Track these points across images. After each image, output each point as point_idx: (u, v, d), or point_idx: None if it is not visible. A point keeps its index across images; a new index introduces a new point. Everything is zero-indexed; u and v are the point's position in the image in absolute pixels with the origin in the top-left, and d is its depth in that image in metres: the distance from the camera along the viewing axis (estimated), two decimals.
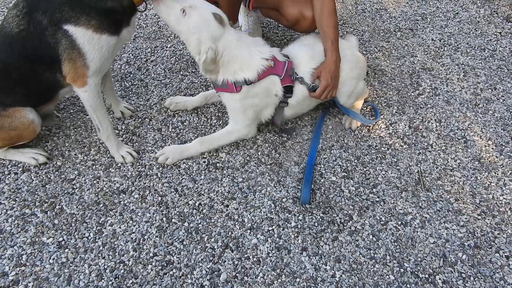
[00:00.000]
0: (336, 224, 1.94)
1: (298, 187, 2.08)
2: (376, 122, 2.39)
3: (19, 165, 2.12)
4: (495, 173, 2.17)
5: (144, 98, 2.51)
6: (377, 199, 2.04)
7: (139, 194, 2.02)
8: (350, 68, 2.24)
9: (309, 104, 2.30)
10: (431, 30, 3.14)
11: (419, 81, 2.69)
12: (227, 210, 1.98)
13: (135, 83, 2.62)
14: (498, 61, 2.87)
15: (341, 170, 2.16)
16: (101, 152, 2.20)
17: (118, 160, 2.14)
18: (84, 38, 1.74)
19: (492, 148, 2.29)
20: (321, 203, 2.02)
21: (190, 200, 2.01)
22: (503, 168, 2.19)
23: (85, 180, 2.07)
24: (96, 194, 2.01)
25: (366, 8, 3.32)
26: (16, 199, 1.98)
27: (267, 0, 2.54)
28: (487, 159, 2.24)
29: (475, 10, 3.34)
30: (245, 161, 2.19)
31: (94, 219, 1.91)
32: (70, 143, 2.25)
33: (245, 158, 2.20)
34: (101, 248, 1.82)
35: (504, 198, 2.06)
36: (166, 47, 2.90)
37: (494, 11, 3.32)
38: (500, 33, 3.12)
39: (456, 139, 2.33)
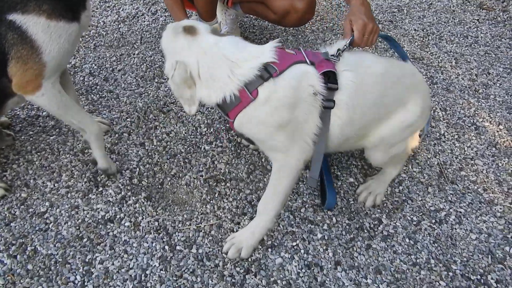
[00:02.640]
0: (366, 230, 1.69)
1: (315, 193, 1.82)
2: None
3: None
4: None
5: (117, 110, 2.17)
6: (404, 198, 1.82)
7: (130, 221, 1.67)
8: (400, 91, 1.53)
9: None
10: (410, 21, 3.03)
11: None
12: (239, 228, 1.68)
13: (103, 95, 2.26)
14: (483, 46, 2.79)
15: (357, 170, 1.93)
16: (75, 176, 1.83)
17: (103, 167, 1.77)
18: (36, 27, 1.37)
19: (505, 133, 2.16)
20: (344, 209, 1.77)
21: (194, 221, 1.69)
22: None
23: (60, 212, 1.69)
24: (77, 227, 1.64)
25: (341, 3, 3.17)
26: None
27: None
28: (503, 144, 2.10)
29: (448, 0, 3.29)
30: (249, 170, 1.90)
31: (79, 258, 1.54)
32: (34, 169, 1.86)
33: (248, 167, 1.91)
34: None
35: None
36: (133, 54, 2.57)
37: (466, 0, 3.28)
38: (477, 20, 3.06)
39: (467, 127, 2.18)
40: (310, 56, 1.42)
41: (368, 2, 1.70)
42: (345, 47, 1.51)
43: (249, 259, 1.56)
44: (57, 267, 1.51)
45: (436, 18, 3.07)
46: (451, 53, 2.71)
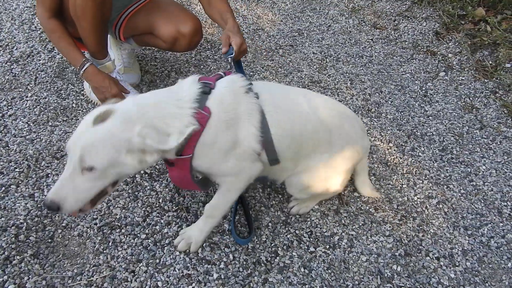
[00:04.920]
0: (262, 264, 1.72)
1: (213, 230, 1.82)
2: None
3: None
4: (403, 174, 2.16)
5: (5, 160, 2.05)
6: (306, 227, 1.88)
7: (14, 284, 1.58)
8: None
9: None
10: (310, 44, 3.15)
11: None
12: (134, 276, 1.64)
13: None
14: (377, 65, 2.96)
15: (255, 201, 1.96)
16: None
17: None
18: None
19: (394, 150, 2.29)
20: (241, 245, 1.78)
21: (85, 275, 1.63)
22: (409, 167, 2.19)
23: None
24: None
25: (243, 30, 3.23)
26: None
27: (138, 26, 2.27)
28: (393, 161, 2.22)
29: (345, 21, 3.45)
30: (146, 213, 1.87)
31: None
32: None
33: (145, 210, 1.88)
34: None
35: (418, 198, 2.04)
36: (27, 96, 2.45)
37: (362, 21, 3.47)
38: (372, 39, 3.25)
39: None
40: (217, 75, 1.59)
41: (239, 26, 2.04)
42: (230, 61, 1.86)
43: None
44: None
45: (334, 40, 3.21)
46: (347, 74, 2.85)
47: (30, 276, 1.60)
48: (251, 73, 2.78)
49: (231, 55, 1.87)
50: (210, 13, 2.19)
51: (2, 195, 1.89)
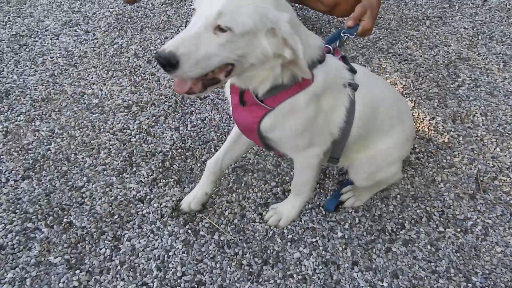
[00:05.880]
0: (387, 233, 1.70)
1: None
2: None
3: (18, 171, 1.84)
4: None
5: (157, 93, 2.24)
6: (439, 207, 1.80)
7: (159, 203, 1.75)
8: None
9: None
10: (461, 18, 2.91)
11: (456, 72, 2.45)
12: (261, 219, 1.72)
13: (145, 77, 2.35)
14: None
15: None
16: (112, 154, 1.94)
17: None
18: None
19: None
20: (367, 210, 1.77)
21: (218, 209, 1.75)
22: None
23: (96, 187, 1.80)
24: (110, 204, 1.74)
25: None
26: (16, 211, 1.70)
27: None
28: None
29: None
30: (277, 163, 1.93)
31: (110, 234, 1.65)
32: (76, 145, 1.97)
33: (277, 160, 1.94)
34: (119, 267, 1.55)
35: None
36: None
37: None
38: None
39: (507, 134, 2.10)
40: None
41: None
42: (344, 38, 1.57)
43: (268, 251, 1.61)
44: (89, 240, 1.62)
45: (489, 16, 2.93)
46: (500, 55, 2.60)
47: (172, 200, 1.77)
48: (394, 42, 2.66)
49: (351, 35, 1.61)
50: None
51: (153, 123, 2.08)
